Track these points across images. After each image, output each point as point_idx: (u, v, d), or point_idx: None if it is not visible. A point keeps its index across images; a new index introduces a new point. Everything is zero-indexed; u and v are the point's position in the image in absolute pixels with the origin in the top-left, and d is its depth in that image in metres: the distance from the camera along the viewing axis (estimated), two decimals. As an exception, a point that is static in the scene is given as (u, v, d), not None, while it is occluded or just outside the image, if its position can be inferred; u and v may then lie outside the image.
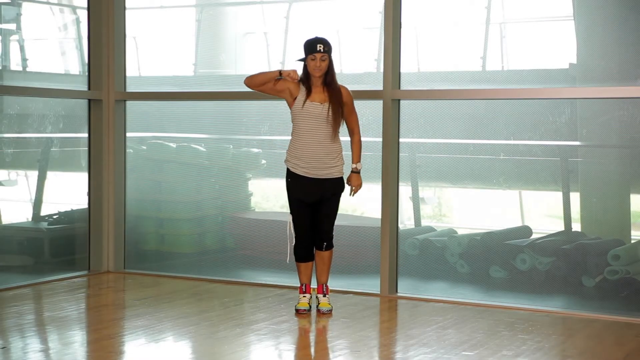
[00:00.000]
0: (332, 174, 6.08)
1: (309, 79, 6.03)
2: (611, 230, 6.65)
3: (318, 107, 6.00)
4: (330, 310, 6.15)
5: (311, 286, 6.29)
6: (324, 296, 6.22)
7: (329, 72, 6.02)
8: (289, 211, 6.21)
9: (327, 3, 7.69)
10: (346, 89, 6.10)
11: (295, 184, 6.11)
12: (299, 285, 6.32)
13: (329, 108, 5.99)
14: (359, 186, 6.20)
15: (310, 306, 6.21)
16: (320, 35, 6.03)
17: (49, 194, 7.67)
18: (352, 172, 6.19)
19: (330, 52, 6.01)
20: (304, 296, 6.24)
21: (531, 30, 6.94)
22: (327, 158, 6.04)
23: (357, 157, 6.20)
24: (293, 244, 6.25)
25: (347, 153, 6.21)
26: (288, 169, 6.13)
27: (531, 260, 6.62)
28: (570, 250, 6.53)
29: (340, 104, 6.02)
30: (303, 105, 6.00)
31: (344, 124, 6.14)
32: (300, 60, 6.05)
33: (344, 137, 6.17)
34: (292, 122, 6.09)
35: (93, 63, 7.58)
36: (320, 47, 5.95)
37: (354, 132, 6.19)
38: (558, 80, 6.64)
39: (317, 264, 6.25)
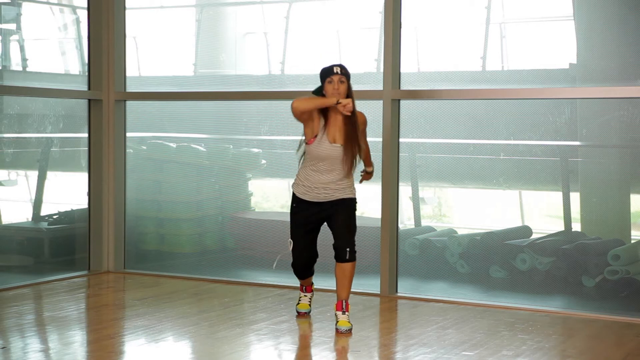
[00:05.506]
0: (340, 195, 5.77)
1: (328, 108, 5.69)
2: (611, 230, 6.65)
3: (337, 149, 5.68)
4: (350, 330, 5.64)
5: (312, 286, 6.18)
6: (343, 314, 5.72)
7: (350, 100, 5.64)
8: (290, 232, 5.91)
9: (327, 3, 7.68)
10: (362, 115, 5.80)
11: (300, 208, 5.82)
12: (299, 285, 6.28)
13: (349, 149, 5.68)
14: (368, 178, 5.98)
15: (310, 307, 6.15)
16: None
17: (49, 194, 7.67)
18: (366, 171, 5.95)
19: (349, 76, 5.69)
20: (304, 295, 6.14)
21: (531, 30, 6.94)
22: (338, 189, 5.77)
23: (369, 163, 5.97)
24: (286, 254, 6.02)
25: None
26: (294, 194, 5.84)
27: (531, 260, 6.63)
28: (570, 250, 6.53)
29: (358, 143, 5.72)
30: (324, 145, 5.68)
31: None
32: (316, 91, 5.75)
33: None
34: (307, 154, 5.76)
35: (93, 63, 7.58)
36: (337, 69, 5.64)
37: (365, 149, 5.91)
38: (558, 80, 6.64)
39: (337, 277, 5.73)
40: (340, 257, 5.71)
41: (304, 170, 5.81)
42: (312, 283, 6.20)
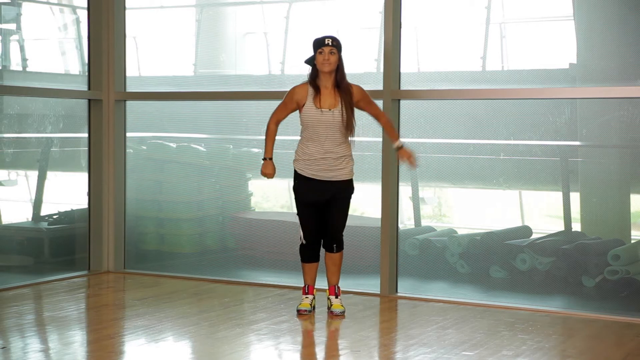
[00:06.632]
0: (340, 176, 5.96)
1: (318, 78, 5.91)
2: (611, 230, 6.65)
3: (327, 114, 5.87)
4: (344, 312, 6.06)
5: (314, 287, 6.20)
6: (336, 297, 6.12)
7: (339, 71, 5.90)
8: (296, 212, 6.11)
9: (327, 3, 7.68)
10: (357, 86, 5.98)
11: (303, 186, 6.00)
12: (301, 285, 6.32)
13: (342, 113, 5.88)
14: (411, 156, 5.94)
15: (312, 307, 6.15)
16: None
17: (49, 194, 7.67)
18: (397, 148, 5.96)
19: (340, 48, 5.89)
20: (306, 297, 6.16)
21: (531, 30, 6.94)
22: (337, 162, 5.94)
23: (394, 135, 6.03)
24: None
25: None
26: (295, 171, 6.02)
27: (531, 260, 6.62)
28: (570, 250, 6.53)
29: (351, 107, 5.91)
30: (312, 111, 5.89)
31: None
32: (308, 61, 5.95)
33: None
34: (301, 125, 5.99)
35: (93, 63, 7.58)
36: (328, 41, 5.84)
37: (379, 116, 6.05)
38: (558, 80, 6.64)
39: (327, 266, 6.12)
40: (328, 248, 6.11)
41: (300, 145, 6.01)
42: (315, 288, 6.22)
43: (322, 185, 5.96)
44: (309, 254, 6.12)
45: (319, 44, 5.89)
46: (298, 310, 6.11)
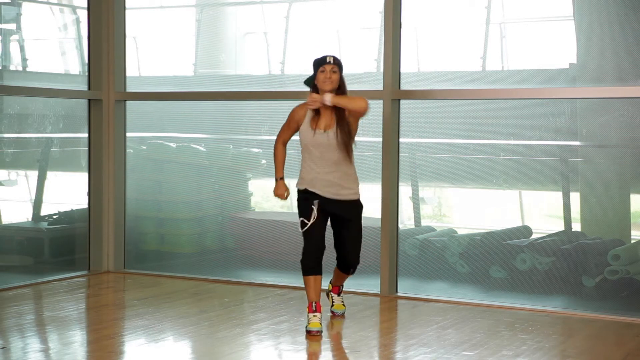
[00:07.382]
0: (346, 195, 5.73)
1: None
2: (611, 230, 6.65)
3: (322, 136, 5.65)
4: (344, 313, 6.08)
5: (321, 304, 5.72)
6: (338, 295, 6.13)
7: (340, 91, 5.69)
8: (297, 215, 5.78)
9: (327, 3, 7.69)
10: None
11: (308, 197, 5.72)
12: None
13: (336, 134, 5.65)
14: (318, 100, 5.64)
15: (322, 327, 5.63)
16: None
17: (49, 194, 7.67)
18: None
19: (341, 68, 5.71)
20: (314, 315, 5.62)
21: (531, 30, 6.94)
22: (341, 180, 5.72)
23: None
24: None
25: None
26: (299, 190, 5.79)
27: (531, 260, 6.63)
28: (570, 250, 6.53)
29: (347, 127, 5.66)
30: (307, 133, 5.71)
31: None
32: (308, 81, 5.75)
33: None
34: (301, 146, 5.80)
35: (93, 63, 7.58)
36: (330, 59, 5.66)
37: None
38: (558, 80, 6.64)
39: (337, 275, 6.00)
40: (344, 270, 5.96)
41: (302, 167, 5.81)
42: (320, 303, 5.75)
43: (329, 200, 5.71)
44: (311, 265, 5.65)
45: (319, 62, 5.70)
46: (308, 331, 5.57)
